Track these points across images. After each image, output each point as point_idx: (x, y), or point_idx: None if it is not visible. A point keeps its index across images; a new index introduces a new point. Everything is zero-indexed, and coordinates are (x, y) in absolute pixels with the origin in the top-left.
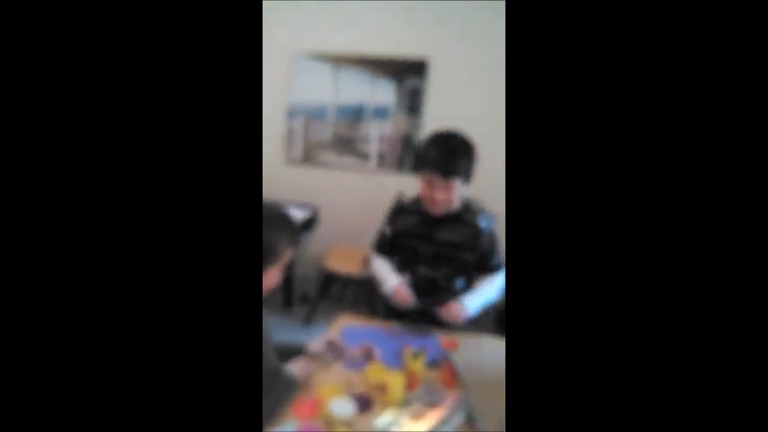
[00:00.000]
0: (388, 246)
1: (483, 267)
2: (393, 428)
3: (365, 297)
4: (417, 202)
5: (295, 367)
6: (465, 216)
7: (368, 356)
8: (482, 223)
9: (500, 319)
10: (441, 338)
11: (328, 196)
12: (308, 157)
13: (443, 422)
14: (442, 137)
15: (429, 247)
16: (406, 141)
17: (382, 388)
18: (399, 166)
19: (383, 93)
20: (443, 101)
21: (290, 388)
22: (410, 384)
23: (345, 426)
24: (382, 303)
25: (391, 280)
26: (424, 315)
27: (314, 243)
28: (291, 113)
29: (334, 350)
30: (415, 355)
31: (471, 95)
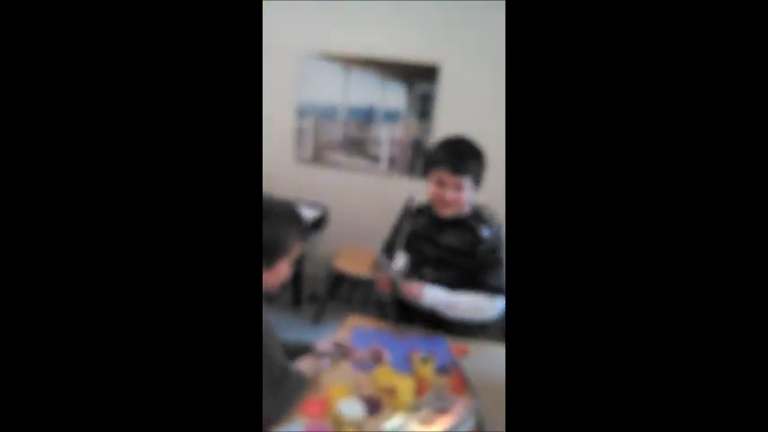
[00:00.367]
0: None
1: (480, 284)
2: None
3: (374, 299)
4: (428, 206)
5: (303, 365)
6: (471, 222)
7: (377, 359)
8: (484, 232)
9: None
10: (450, 344)
11: (338, 197)
12: (318, 156)
13: (453, 429)
14: (452, 140)
15: (433, 249)
16: (417, 146)
17: (391, 391)
18: (410, 170)
19: (394, 96)
20: (454, 107)
21: (299, 386)
22: (419, 389)
23: (354, 427)
24: (392, 306)
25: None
26: (433, 320)
27: (323, 243)
28: (301, 112)
29: (343, 351)
30: (425, 360)
31: (483, 102)
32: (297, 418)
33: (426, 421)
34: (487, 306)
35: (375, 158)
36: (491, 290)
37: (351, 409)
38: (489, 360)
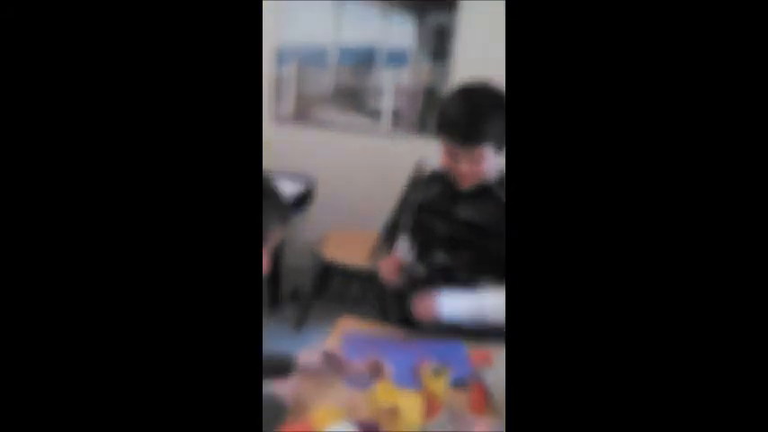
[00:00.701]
0: (397, 229)
1: None
2: None
3: (374, 296)
4: (443, 173)
5: (283, 387)
6: (497, 191)
7: (376, 373)
8: None
9: None
10: (470, 351)
11: (328, 165)
12: (303, 114)
13: None
14: (467, 92)
15: (446, 226)
16: (430, 96)
17: (394, 413)
18: (420, 127)
19: (400, 32)
20: (477, 43)
21: (277, 414)
22: (430, 409)
23: None
24: (395, 303)
25: (395, 256)
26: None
27: (309, 225)
28: (281, 57)
29: (333, 364)
30: (437, 373)
31: None
32: None
33: None
34: None
35: (375, 114)
36: None
37: None
38: None
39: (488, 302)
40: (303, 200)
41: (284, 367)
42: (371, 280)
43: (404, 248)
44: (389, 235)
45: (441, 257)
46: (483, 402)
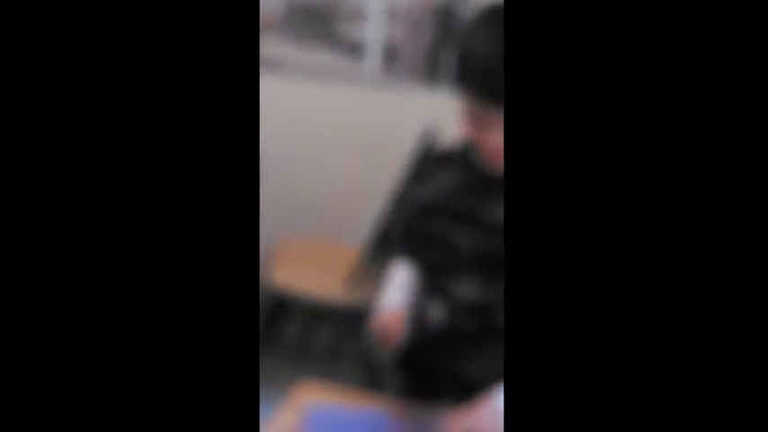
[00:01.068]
0: (404, 237)
1: None
2: None
3: (354, 345)
4: (463, 150)
5: None
6: None
7: None
8: None
9: None
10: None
11: (280, 133)
12: None
13: None
14: (495, 14)
15: (472, 236)
16: (445, 22)
17: None
18: (428, 72)
19: None
20: None
21: None
22: None
23: None
24: (394, 369)
25: (391, 299)
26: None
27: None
28: None
29: None
30: None
31: None
32: None
33: None
34: None
35: (355, 50)
36: None
37: None
38: None
39: None
40: None
41: None
42: (351, 322)
43: (404, 274)
44: (379, 249)
45: (466, 288)
46: None
